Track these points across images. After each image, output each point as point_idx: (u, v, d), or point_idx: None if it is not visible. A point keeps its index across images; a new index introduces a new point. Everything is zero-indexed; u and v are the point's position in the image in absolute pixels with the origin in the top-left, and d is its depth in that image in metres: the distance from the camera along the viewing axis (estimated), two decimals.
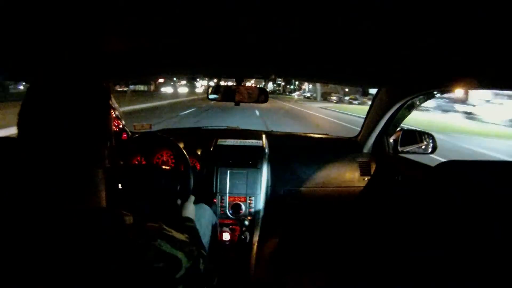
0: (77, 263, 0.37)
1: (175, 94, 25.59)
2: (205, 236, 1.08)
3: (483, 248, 0.51)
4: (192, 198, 0.99)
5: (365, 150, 1.53)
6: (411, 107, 1.32)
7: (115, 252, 0.38)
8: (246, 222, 1.26)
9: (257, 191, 1.40)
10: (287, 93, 51.17)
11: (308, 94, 36.21)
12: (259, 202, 1.40)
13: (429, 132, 1.38)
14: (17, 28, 0.55)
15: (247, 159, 1.44)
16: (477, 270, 0.51)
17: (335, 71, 1.12)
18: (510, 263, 0.48)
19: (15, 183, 0.42)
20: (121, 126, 1.48)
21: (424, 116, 12.41)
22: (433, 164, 0.69)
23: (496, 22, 0.45)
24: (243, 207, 1.38)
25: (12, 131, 0.43)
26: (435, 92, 1.20)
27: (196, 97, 22.56)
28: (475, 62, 0.73)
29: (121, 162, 1.19)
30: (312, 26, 0.56)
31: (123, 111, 1.68)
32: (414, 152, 1.37)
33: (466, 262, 0.52)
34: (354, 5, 0.43)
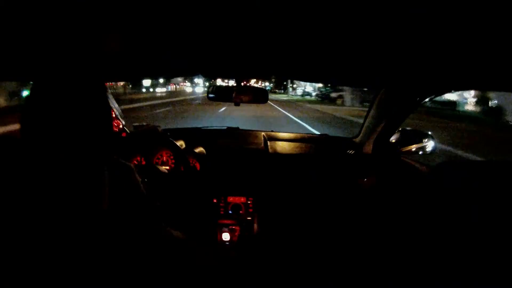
0: (74, 264, 0.37)
1: None
2: None
3: (483, 248, 0.51)
4: None
5: (365, 151, 1.53)
6: (411, 107, 1.32)
7: (114, 253, 0.38)
8: (246, 222, 1.26)
9: (257, 191, 1.40)
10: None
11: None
12: (259, 202, 1.40)
13: (429, 132, 1.38)
14: (17, 28, 0.55)
15: (247, 160, 1.44)
16: (477, 270, 0.51)
17: (335, 72, 1.12)
18: (511, 262, 0.48)
19: (16, 182, 0.42)
20: (121, 126, 1.48)
21: None
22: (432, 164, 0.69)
23: (496, 23, 0.45)
24: (243, 207, 1.38)
25: None
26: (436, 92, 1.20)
27: None
28: (475, 64, 0.73)
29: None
30: (313, 26, 0.56)
31: None
32: (413, 152, 1.37)
33: (466, 262, 0.52)
34: (355, 5, 0.43)
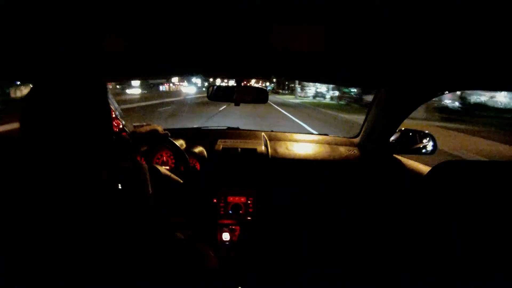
0: (77, 263, 0.37)
1: None
2: None
3: (483, 248, 0.51)
4: None
5: (365, 150, 1.53)
6: (411, 107, 1.32)
7: (117, 253, 0.38)
8: (246, 222, 1.26)
9: (257, 191, 1.40)
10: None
11: None
12: (259, 202, 1.40)
13: (429, 132, 1.38)
14: (17, 27, 0.55)
15: (247, 160, 1.44)
16: (477, 270, 0.51)
17: (335, 71, 1.12)
18: (511, 262, 0.48)
19: (16, 181, 0.42)
20: (121, 126, 1.48)
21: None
22: (432, 164, 0.69)
23: (496, 23, 0.45)
24: (243, 207, 1.38)
25: None
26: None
27: None
28: (475, 63, 0.73)
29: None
30: (313, 26, 0.56)
31: None
32: (413, 152, 1.37)
33: (466, 262, 0.52)
34: (355, 5, 0.43)
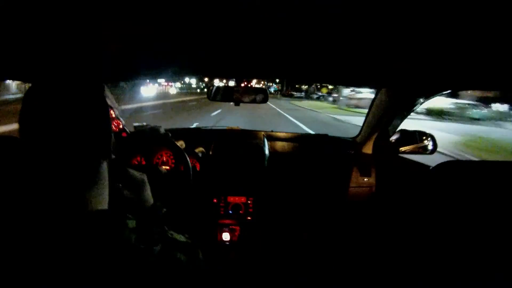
0: (76, 267, 0.37)
1: None
2: None
3: (483, 248, 0.51)
4: None
5: (365, 151, 1.53)
6: (411, 107, 1.33)
7: (116, 257, 0.38)
8: (246, 222, 1.27)
9: (257, 191, 1.40)
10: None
11: None
12: (259, 202, 1.40)
13: (429, 133, 1.38)
14: (17, 27, 0.55)
15: (247, 160, 1.44)
16: (477, 270, 0.51)
17: (335, 72, 1.12)
18: (510, 261, 0.48)
19: (15, 182, 0.42)
20: (121, 126, 1.48)
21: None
22: (433, 164, 0.69)
23: (496, 23, 0.45)
24: (243, 207, 1.38)
25: None
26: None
27: None
28: (475, 64, 0.73)
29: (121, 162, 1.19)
30: (313, 25, 0.56)
31: None
32: (414, 152, 1.37)
33: (466, 262, 0.52)
34: (354, 4, 0.43)
